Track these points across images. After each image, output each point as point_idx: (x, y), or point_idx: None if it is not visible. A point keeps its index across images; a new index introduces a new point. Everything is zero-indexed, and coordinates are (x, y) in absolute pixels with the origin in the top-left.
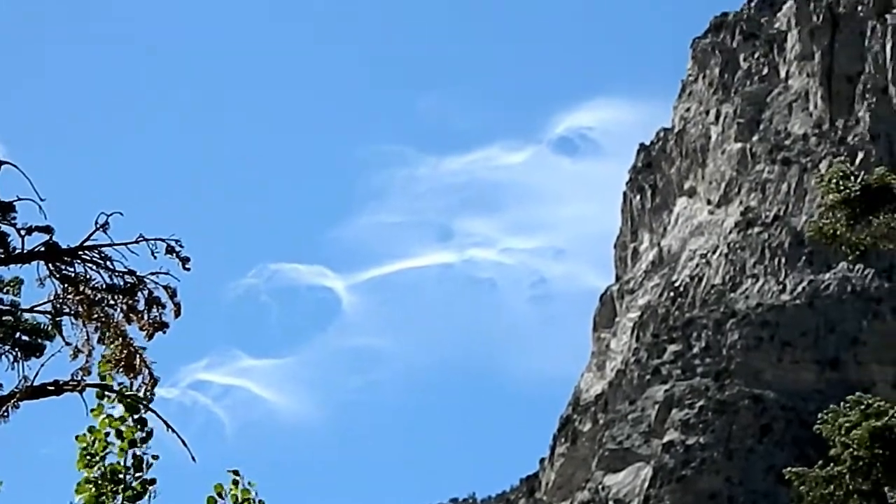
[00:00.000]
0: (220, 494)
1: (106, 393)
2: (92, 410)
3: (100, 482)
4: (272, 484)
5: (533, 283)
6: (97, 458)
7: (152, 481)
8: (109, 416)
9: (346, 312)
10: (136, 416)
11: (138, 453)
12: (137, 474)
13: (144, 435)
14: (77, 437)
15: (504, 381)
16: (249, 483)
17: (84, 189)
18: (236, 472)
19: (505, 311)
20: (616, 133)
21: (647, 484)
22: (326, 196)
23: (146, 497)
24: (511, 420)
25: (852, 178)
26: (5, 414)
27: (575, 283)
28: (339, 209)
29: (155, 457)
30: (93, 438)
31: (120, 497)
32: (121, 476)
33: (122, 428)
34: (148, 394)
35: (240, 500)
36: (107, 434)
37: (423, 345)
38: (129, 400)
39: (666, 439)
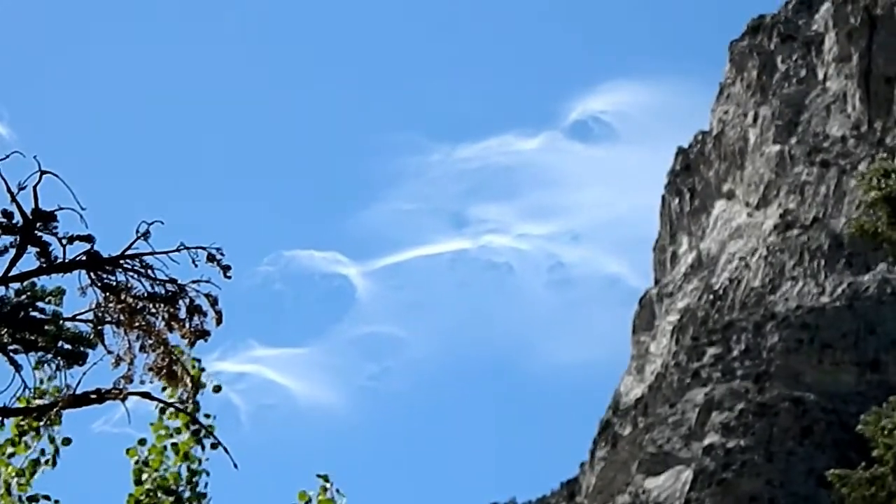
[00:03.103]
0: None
1: (152, 401)
2: (152, 424)
3: (154, 496)
4: (291, 469)
5: (551, 267)
6: (152, 470)
7: (204, 495)
8: (166, 427)
9: (361, 300)
10: (193, 429)
11: (193, 467)
12: (191, 487)
13: (201, 448)
14: (128, 451)
15: (527, 369)
16: (338, 491)
17: (115, 190)
18: (326, 478)
19: (524, 295)
20: (630, 116)
21: (687, 487)
22: (340, 184)
23: None
24: (539, 413)
25: (893, 175)
26: (48, 423)
27: (593, 267)
28: (352, 197)
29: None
30: (147, 452)
31: None
32: (173, 488)
33: (178, 441)
34: (190, 402)
35: None
36: (164, 447)
37: (442, 331)
38: (171, 408)
39: (706, 442)
